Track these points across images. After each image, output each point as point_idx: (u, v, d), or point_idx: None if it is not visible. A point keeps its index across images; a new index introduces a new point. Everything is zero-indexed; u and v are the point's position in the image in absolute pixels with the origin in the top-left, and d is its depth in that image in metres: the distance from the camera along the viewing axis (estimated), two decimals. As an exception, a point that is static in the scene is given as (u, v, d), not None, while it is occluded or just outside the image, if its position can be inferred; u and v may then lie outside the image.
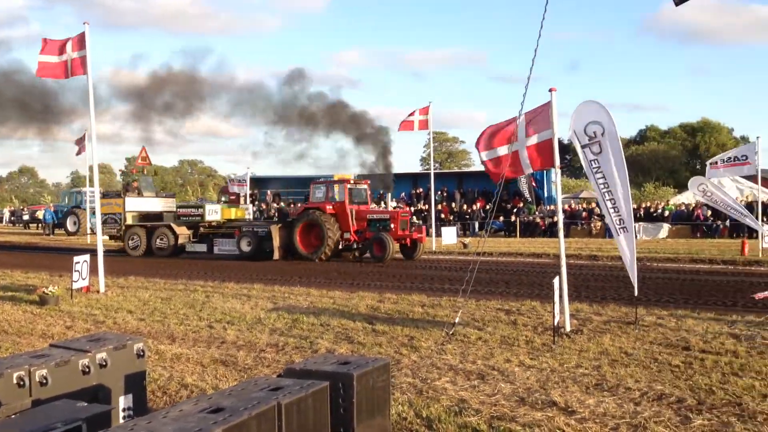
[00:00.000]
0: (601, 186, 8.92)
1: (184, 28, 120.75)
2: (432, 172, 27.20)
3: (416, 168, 67.97)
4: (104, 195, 25.98)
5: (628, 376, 6.56)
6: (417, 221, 22.83)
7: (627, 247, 8.97)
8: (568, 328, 8.55)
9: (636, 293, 9.23)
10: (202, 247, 22.66)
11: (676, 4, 6.74)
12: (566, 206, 34.35)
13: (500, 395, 6.01)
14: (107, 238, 24.76)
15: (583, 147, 8.92)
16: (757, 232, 20.52)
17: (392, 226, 20.15)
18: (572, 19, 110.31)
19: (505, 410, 5.58)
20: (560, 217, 9.43)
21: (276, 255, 20.76)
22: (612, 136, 8.75)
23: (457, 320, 8.90)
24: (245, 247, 21.47)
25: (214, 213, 23.15)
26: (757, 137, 20.38)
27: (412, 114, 24.75)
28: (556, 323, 8.20)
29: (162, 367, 7.15)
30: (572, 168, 64.38)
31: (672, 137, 68.06)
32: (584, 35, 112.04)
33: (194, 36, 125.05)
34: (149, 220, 24.09)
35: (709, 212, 29.10)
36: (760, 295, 8.66)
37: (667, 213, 32.18)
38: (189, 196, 70.99)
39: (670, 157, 64.10)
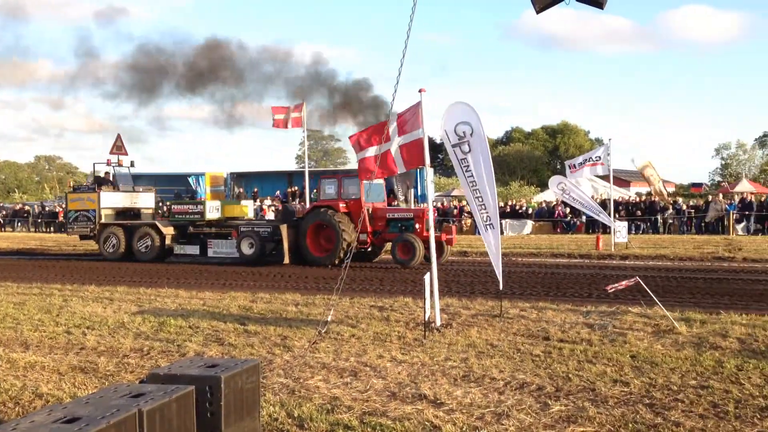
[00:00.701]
0: (470, 184, 9.25)
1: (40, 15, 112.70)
2: (307, 170, 27.10)
3: (291, 166, 67.42)
4: (75, 189, 22.82)
5: (493, 367, 6.83)
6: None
7: (493, 242, 9.36)
8: (438, 323, 8.78)
9: (501, 287, 9.63)
10: (193, 249, 19.90)
11: (537, 12, 7.07)
12: (438, 204, 35.34)
13: (372, 391, 6.07)
14: (78, 237, 22.05)
15: (453, 146, 9.21)
16: (609, 227, 22.04)
17: (417, 226, 17.41)
18: (441, 22, 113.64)
19: (376, 405, 5.65)
20: (431, 215, 9.67)
21: (286, 259, 18.04)
22: (479, 136, 9.09)
23: (329, 318, 8.89)
24: (247, 249, 18.62)
25: (215, 210, 20.00)
26: (609, 139, 21.97)
27: (285, 111, 24.49)
28: (427, 318, 8.40)
29: (14, 376, 6.64)
30: (444, 167, 66.40)
31: (535, 138, 71.83)
32: (452, 38, 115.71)
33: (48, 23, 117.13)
34: (128, 217, 21.31)
35: (568, 209, 30.94)
36: (611, 288, 9.29)
37: (530, 210, 33.92)
38: (47, 194, 66.55)
39: (534, 157, 67.64)
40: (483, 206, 9.18)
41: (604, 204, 26.70)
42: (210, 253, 19.56)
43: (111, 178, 22.26)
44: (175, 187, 32.26)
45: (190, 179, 24.69)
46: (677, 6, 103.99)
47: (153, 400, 3.67)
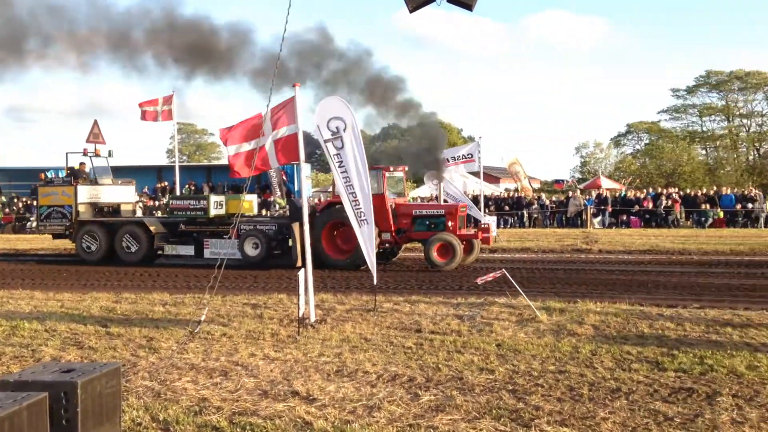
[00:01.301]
0: (344, 180, 9.30)
1: None
2: (177, 164, 26.18)
3: (162, 160, 64.86)
4: (47, 182, 19.50)
5: (367, 361, 6.91)
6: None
7: (367, 237, 9.46)
8: (312, 319, 8.76)
9: (375, 282, 9.76)
10: (187, 250, 17.30)
11: (410, 11, 7.19)
12: (317, 200, 35.24)
13: (243, 390, 5.96)
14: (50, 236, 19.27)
15: (326, 141, 9.21)
16: (480, 222, 22.88)
17: (450, 224, 15.67)
18: (315, 15, 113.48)
19: (247, 405, 5.55)
20: (305, 211, 9.63)
21: (299, 261, 15.39)
22: (353, 131, 9.14)
23: (202, 317, 8.65)
24: (251, 250, 16.38)
25: (219, 206, 17.45)
26: (479, 137, 22.86)
27: (155, 103, 23.52)
28: (301, 315, 8.36)
29: None
30: (322, 162, 66.37)
31: (411, 135, 73.44)
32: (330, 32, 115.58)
33: None
34: (106, 213, 18.84)
35: (442, 205, 31.80)
36: (480, 279, 9.66)
37: (405, 206, 34.60)
38: None
39: (408, 152, 69.08)
40: (357, 202, 9.26)
41: (476, 199, 27.71)
42: (207, 254, 17.00)
43: (87, 170, 19.72)
44: (32, 182, 30.21)
45: (48, 173, 22.94)
46: (540, 10, 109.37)
47: (1, 408, 3.44)
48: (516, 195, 34.02)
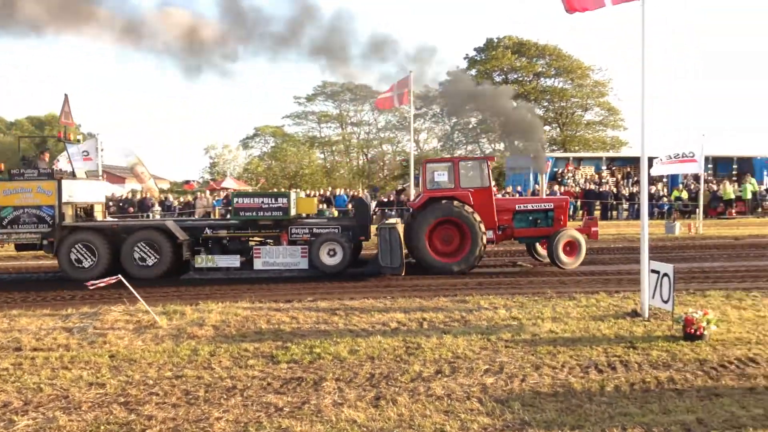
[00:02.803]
0: None
1: None
2: None
3: None
4: (13, 175, 13.58)
5: (-54, 392, 5.86)
6: None
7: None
8: None
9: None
10: (230, 261, 13.64)
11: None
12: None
13: None
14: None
15: None
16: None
17: (561, 218, 14.22)
18: None
19: None
20: None
21: (403, 269, 13.10)
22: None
23: None
24: (327, 258, 13.42)
25: (293, 206, 14.10)
26: (98, 134, 21.48)
27: None
28: None
29: None
30: None
31: (19, 129, 65.56)
32: None
33: None
34: (81, 218, 14.26)
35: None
36: (91, 285, 8.93)
37: None
38: None
39: (15, 149, 61.52)
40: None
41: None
42: (258, 264, 13.71)
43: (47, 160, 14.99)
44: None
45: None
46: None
47: None
48: (141, 196, 32.71)
